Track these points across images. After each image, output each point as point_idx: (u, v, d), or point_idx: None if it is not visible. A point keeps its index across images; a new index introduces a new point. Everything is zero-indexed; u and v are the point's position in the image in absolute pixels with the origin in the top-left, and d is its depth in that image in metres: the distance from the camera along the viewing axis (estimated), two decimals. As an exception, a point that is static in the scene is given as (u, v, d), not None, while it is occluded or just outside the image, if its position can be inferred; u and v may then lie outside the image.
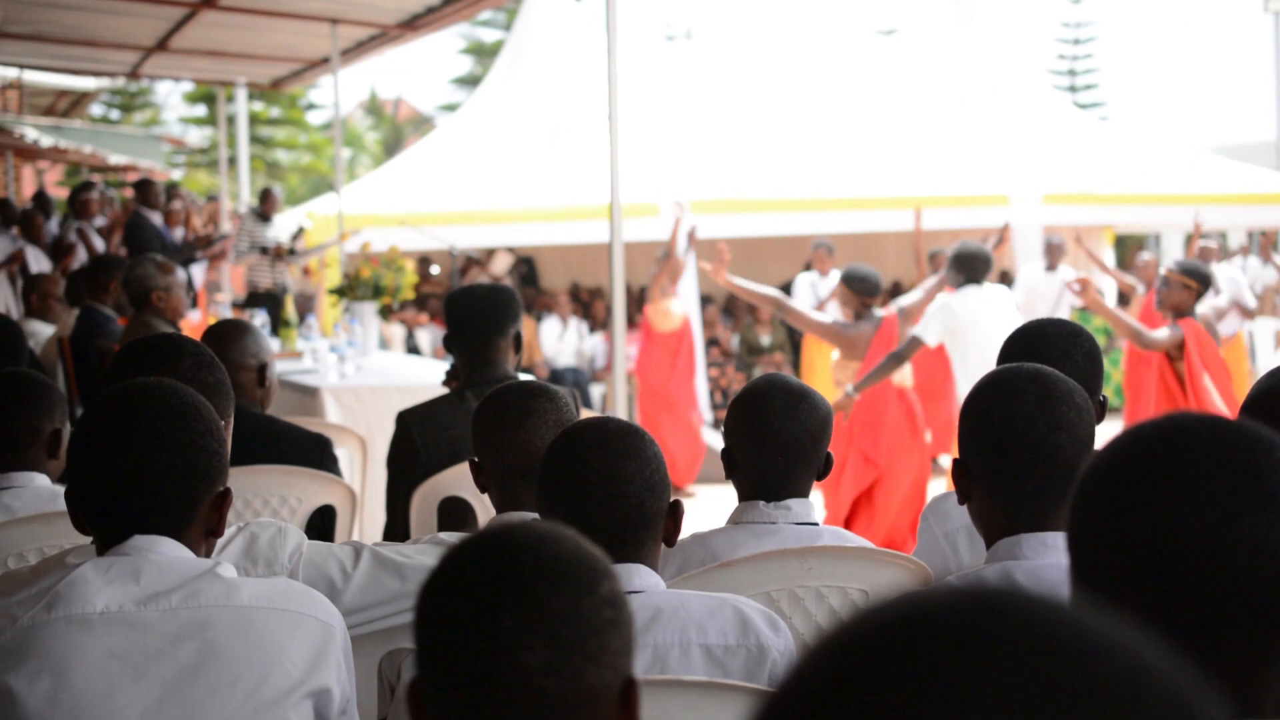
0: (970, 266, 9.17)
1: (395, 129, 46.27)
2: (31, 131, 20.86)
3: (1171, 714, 0.82)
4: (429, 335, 18.73)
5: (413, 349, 17.35)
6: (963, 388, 8.99)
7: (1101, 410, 3.78)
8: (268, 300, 14.71)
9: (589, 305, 19.58)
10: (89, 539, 2.88)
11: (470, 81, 42.28)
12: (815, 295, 14.81)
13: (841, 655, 0.87)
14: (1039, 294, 15.58)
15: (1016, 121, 18.94)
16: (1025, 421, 2.83)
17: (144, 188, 14.89)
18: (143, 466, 2.58)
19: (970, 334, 8.92)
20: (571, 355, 18.13)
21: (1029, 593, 0.88)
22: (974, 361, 8.86)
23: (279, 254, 15.39)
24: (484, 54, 43.58)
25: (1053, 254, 15.49)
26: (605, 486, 2.82)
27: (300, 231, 15.70)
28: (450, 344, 5.26)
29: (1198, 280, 8.32)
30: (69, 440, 2.65)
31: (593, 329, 18.78)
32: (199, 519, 2.66)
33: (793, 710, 0.86)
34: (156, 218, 14.69)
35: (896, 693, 0.82)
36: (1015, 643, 0.84)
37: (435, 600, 1.72)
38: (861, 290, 9.26)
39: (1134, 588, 1.49)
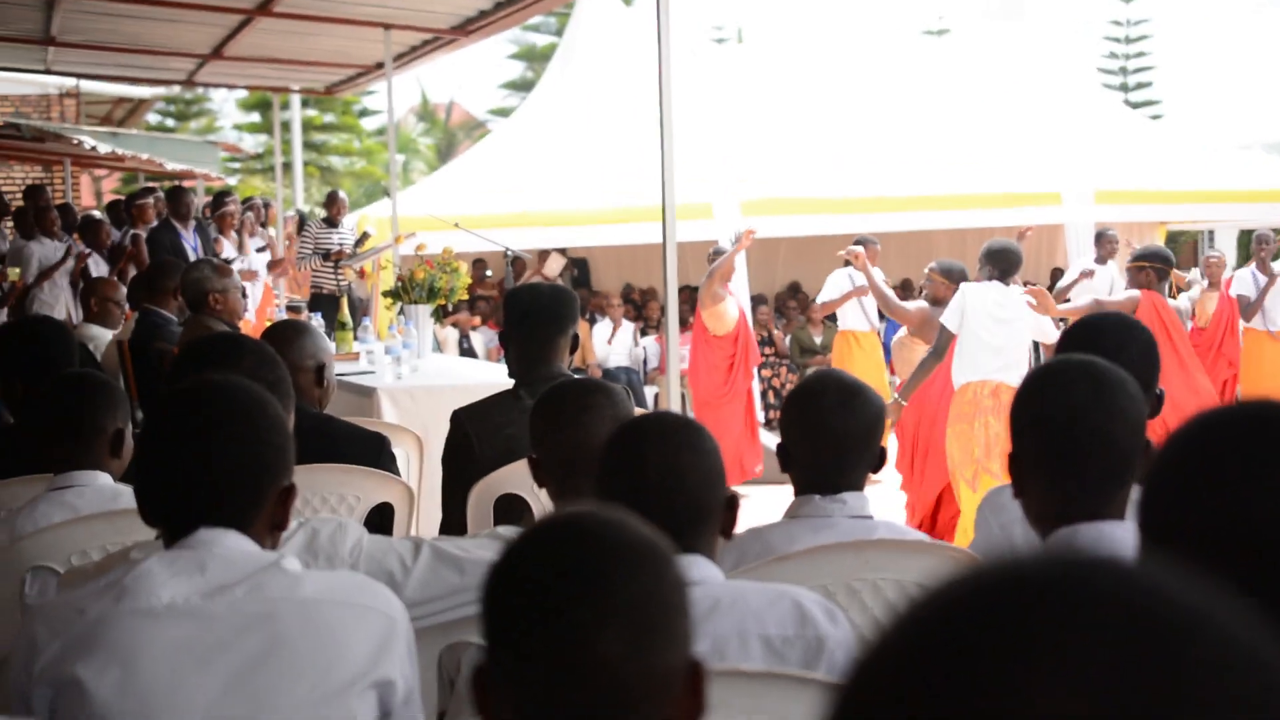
0: (999, 260, 9.39)
1: (448, 133, 46.37)
2: (89, 139, 20.97)
3: (1263, 680, 0.82)
4: (483, 338, 18.78)
5: (467, 352, 17.41)
6: (954, 374, 9.10)
7: (1157, 404, 3.78)
8: (326, 303, 14.74)
9: (642, 307, 19.59)
10: (153, 534, 2.93)
11: (522, 86, 42.35)
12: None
13: (933, 618, 0.87)
14: (1089, 289, 15.51)
15: (1068, 119, 18.85)
16: (1080, 412, 2.84)
17: (175, 197, 14.94)
18: (209, 460, 2.61)
19: (969, 325, 9.09)
20: (624, 357, 18.14)
21: (1119, 557, 0.87)
22: (964, 351, 9.01)
23: (338, 258, 15.43)
24: (535, 58, 43.65)
25: (1105, 246, 15.36)
26: (663, 479, 2.84)
27: (364, 236, 15.74)
28: (507, 340, 5.28)
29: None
30: (138, 434, 2.68)
31: (645, 331, 18.78)
32: (264, 513, 2.68)
33: (885, 676, 0.86)
34: (187, 230, 14.72)
35: (990, 654, 0.82)
36: (1111, 602, 0.84)
37: (507, 590, 1.73)
38: (957, 279, 9.66)
39: (1211, 572, 1.49)
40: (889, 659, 0.87)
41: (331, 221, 15.94)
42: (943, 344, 9.00)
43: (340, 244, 15.66)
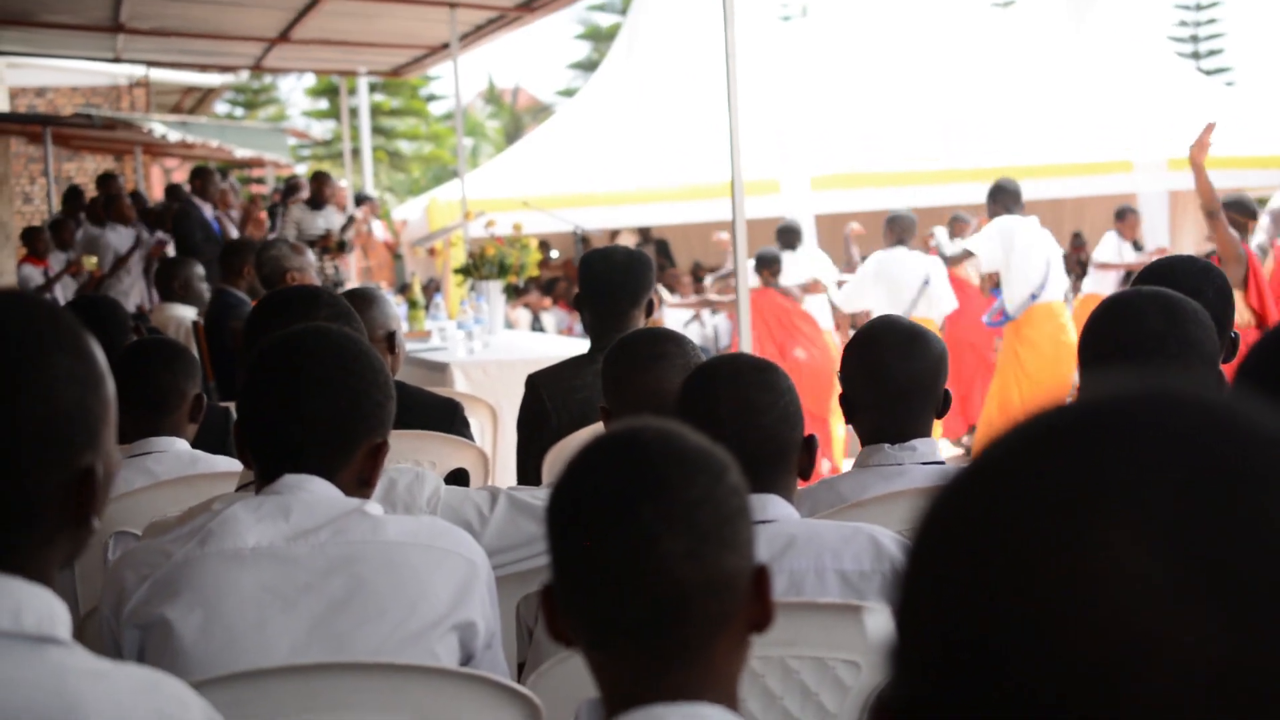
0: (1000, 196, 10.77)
1: (515, 117, 46.42)
2: (159, 128, 21.13)
3: None
4: (553, 318, 18.84)
5: (538, 332, 17.44)
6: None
7: (1233, 348, 3.75)
8: None
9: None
10: (233, 490, 2.97)
11: (588, 67, 42.36)
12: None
13: (1001, 458, 0.86)
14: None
15: (1138, 88, 18.70)
16: (1154, 342, 2.83)
17: (200, 176, 14.94)
18: (304, 402, 2.63)
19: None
20: (695, 335, 18.12)
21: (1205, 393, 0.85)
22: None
23: (327, 246, 14.60)
24: (600, 38, 43.62)
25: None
26: (739, 418, 2.85)
27: (351, 221, 15.15)
28: (582, 305, 5.27)
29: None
30: (242, 376, 2.71)
31: (714, 308, 18.75)
32: (353, 464, 2.68)
33: (949, 527, 0.86)
34: (209, 209, 14.73)
35: (1056, 498, 0.81)
36: (1188, 425, 0.82)
37: (571, 497, 1.76)
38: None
39: None
40: (953, 508, 0.86)
41: (316, 205, 14.91)
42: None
43: (327, 228, 14.86)
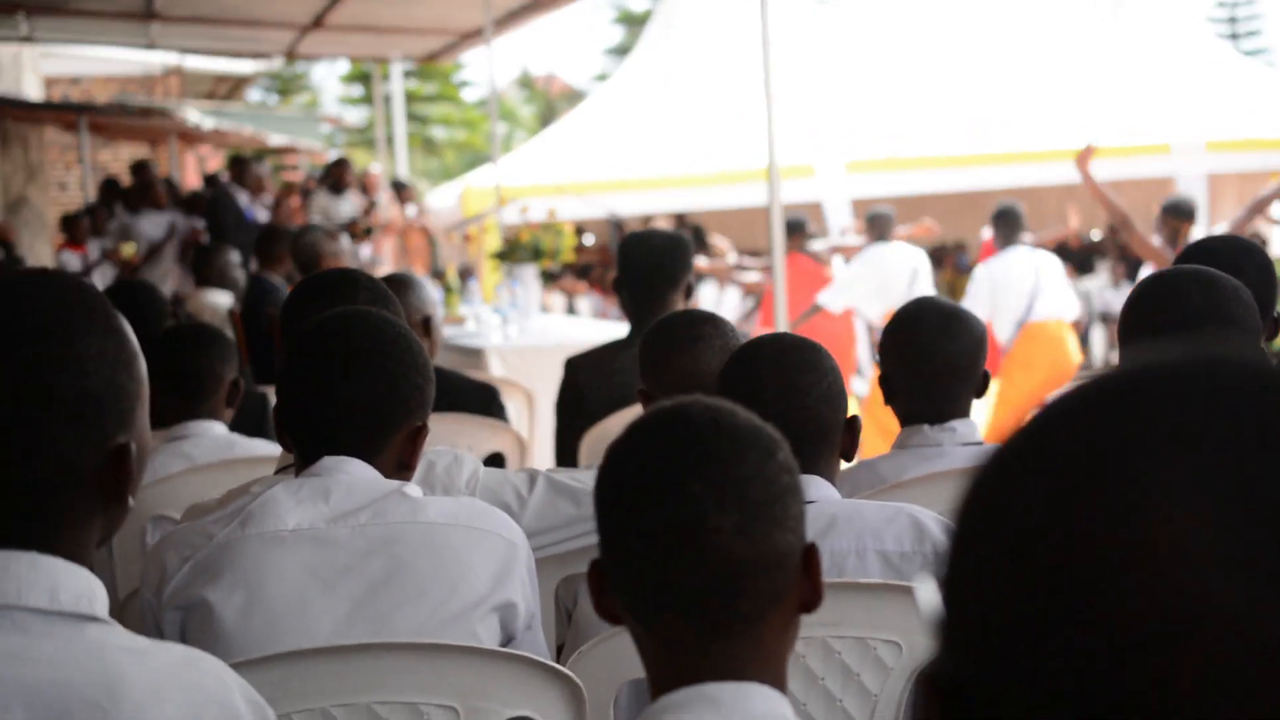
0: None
1: (549, 104, 46.45)
2: (193, 115, 21.22)
3: None
4: (589, 303, 18.84)
5: (572, 317, 17.44)
6: None
7: (1275, 328, 3.71)
8: None
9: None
10: (271, 474, 2.98)
11: (622, 52, 42.32)
12: None
13: (1055, 416, 0.84)
14: None
15: (1176, 69, 18.59)
16: (1194, 320, 2.81)
17: (238, 165, 14.99)
18: (343, 385, 2.63)
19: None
20: (730, 320, 18.05)
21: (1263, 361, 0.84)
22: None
23: (354, 232, 14.74)
24: (634, 23, 43.59)
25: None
26: (781, 398, 2.84)
27: (372, 206, 15.20)
28: (620, 288, 5.26)
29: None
30: (282, 359, 2.72)
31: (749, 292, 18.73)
32: (392, 447, 2.69)
33: (1002, 481, 0.84)
34: (244, 197, 14.78)
35: (1109, 454, 0.79)
36: (1235, 387, 0.81)
37: (620, 472, 1.75)
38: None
39: None
40: (999, 477, 0.85)
41: (337, 189, 15.13)
42: None
43: (353, 214, 15.03)
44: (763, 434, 1.75)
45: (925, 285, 11.77)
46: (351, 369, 2.63)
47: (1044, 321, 10.94)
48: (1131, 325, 2.92)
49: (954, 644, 0.85)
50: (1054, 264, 11.32)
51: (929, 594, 0.89)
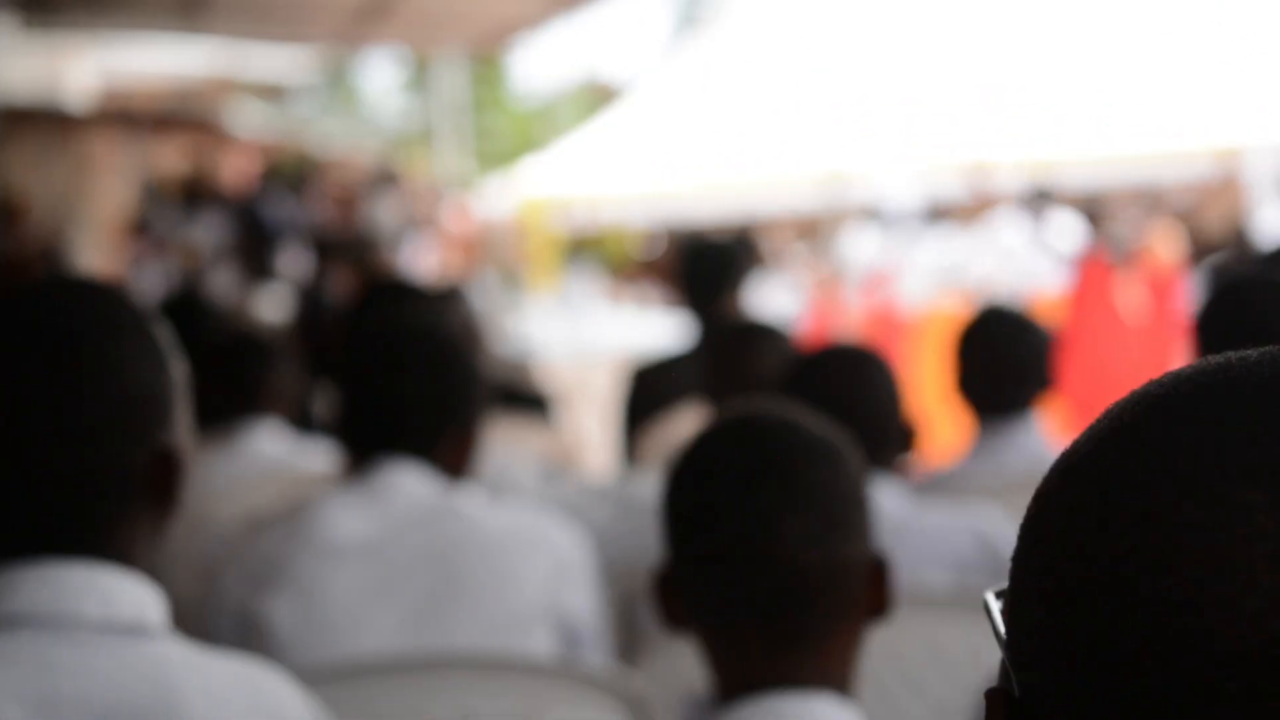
0: None
1: (599, 105, 46.60)
2: (243, 121, 21.36)
3: None
4: (643, 307, 18.86)
5: (625, 320, 17.47)
6: None
7: None
8: None
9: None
10: (323, 481, 2.97)
11: (677, 53, 42.41)
12: None
13: (1138, 406, 0.81)
14: None
15: (1241, 69, 18.42)
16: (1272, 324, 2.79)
17: (273, 170, 15.07)
18: (398, 392, 2.65)
19: None
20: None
21: None
22: None
23: (408, 236, 14.82)
24: (690, 24, 43.65)
25: None
26: (843, 405, 2.82)
27: (421, 211, 15.29)
28: (680, 294, 5.28)
29: None
30: (340, 365, 2.74)
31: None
32: (445, 452, 2.69)
33: (1080, 476, 0.80)
34: (271, 202, 14.83)
35: (1190, 446, 0.76)
36: None
37: (691, 481, 1.74)
38: None
39: None
40: (1069, 481, 0.81)
41: (386, 194, 15.24)
42: None
43: (404, 217, 15.13)
44: (833, 442, 1.75)
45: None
46: (406, 374, 2.65)
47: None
48: (1210, 338, 2.90)
49: (1024, 658, 0.82)
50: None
51: (993, 610, 0.87)
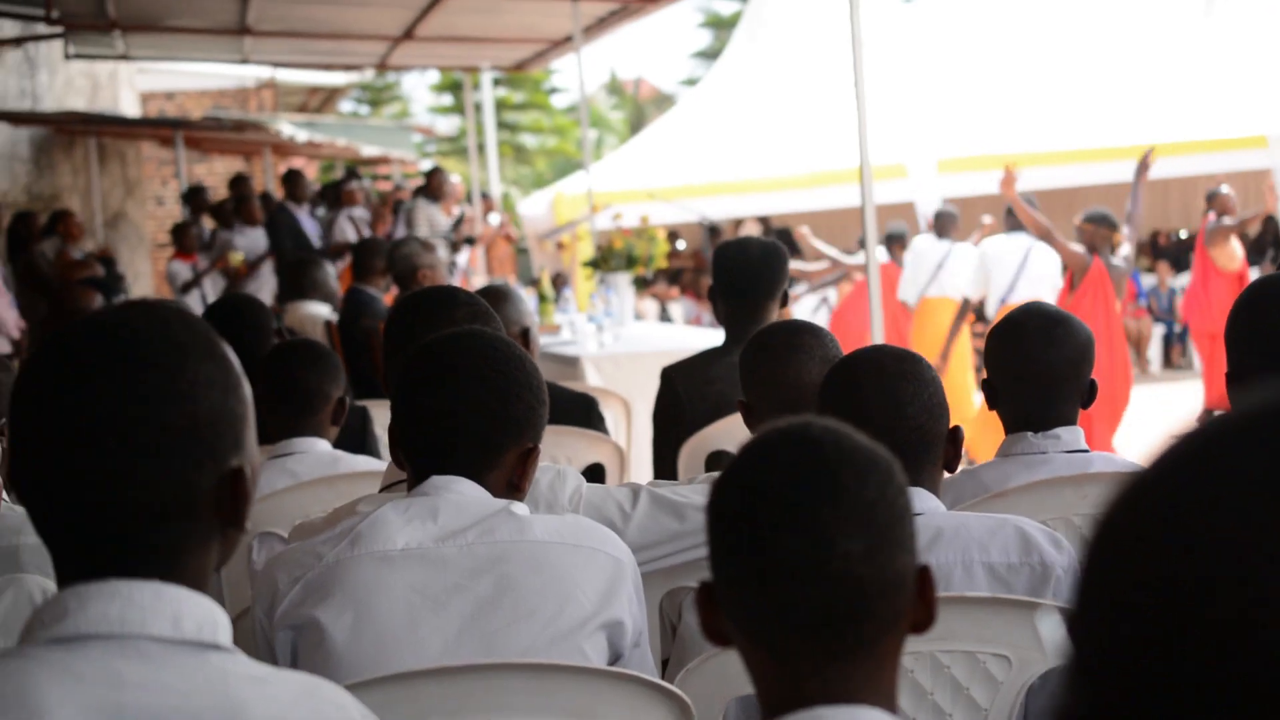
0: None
1: (638, 108, 46.44)
2: (287, 128, 21.39)
3: None
4: (681, 309, 18.83)
5: (666, 322, 17.45)
6: None
7: None
8: None
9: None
10: (375, 490, 3.00)
11: (710, 55, 42.26)
12: None
13: (1201, 443, 0.83)
14: None
15: (1269, 64, 18.33)
16: None
17: (291, 181, 15.07)
18: (456, 405, 2.66)
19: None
20: (823, 323, 18.02)
21: None
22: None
23: (456, 241, 14.77)
24: (722, 26, 43.52)
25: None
26: (884, 411, 2.84)
27: (461, 219, 15.24)
28: (715, 296, 5.24)
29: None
30: (396, 377, 2.75)
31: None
32: (503, 467, 2.71)
33: (1141, 509, 0.83)
34: (302, 212, 14.84)
35: (1253, 485, 0.78)
36: None
37: (743, 496, 1.73)
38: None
39: None
40: (1145, 504, 0.83)
41: (437, 199, 15.01)
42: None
43: (455, 222, 14.97)
44: (879, 456, 1.74)
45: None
46: (466, 389, 2.66)
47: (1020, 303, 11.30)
48: (1243, 334, 2.89)
49: (1089, 678, 0.84)
50: (1045, 253, 11.65)
51: (1052, 626, 0.88)
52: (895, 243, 13.76)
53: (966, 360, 12.61)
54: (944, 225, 13.00)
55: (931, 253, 12.82)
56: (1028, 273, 11.65)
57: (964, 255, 12.58)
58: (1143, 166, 10.16)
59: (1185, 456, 0.83)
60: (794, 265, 13.86)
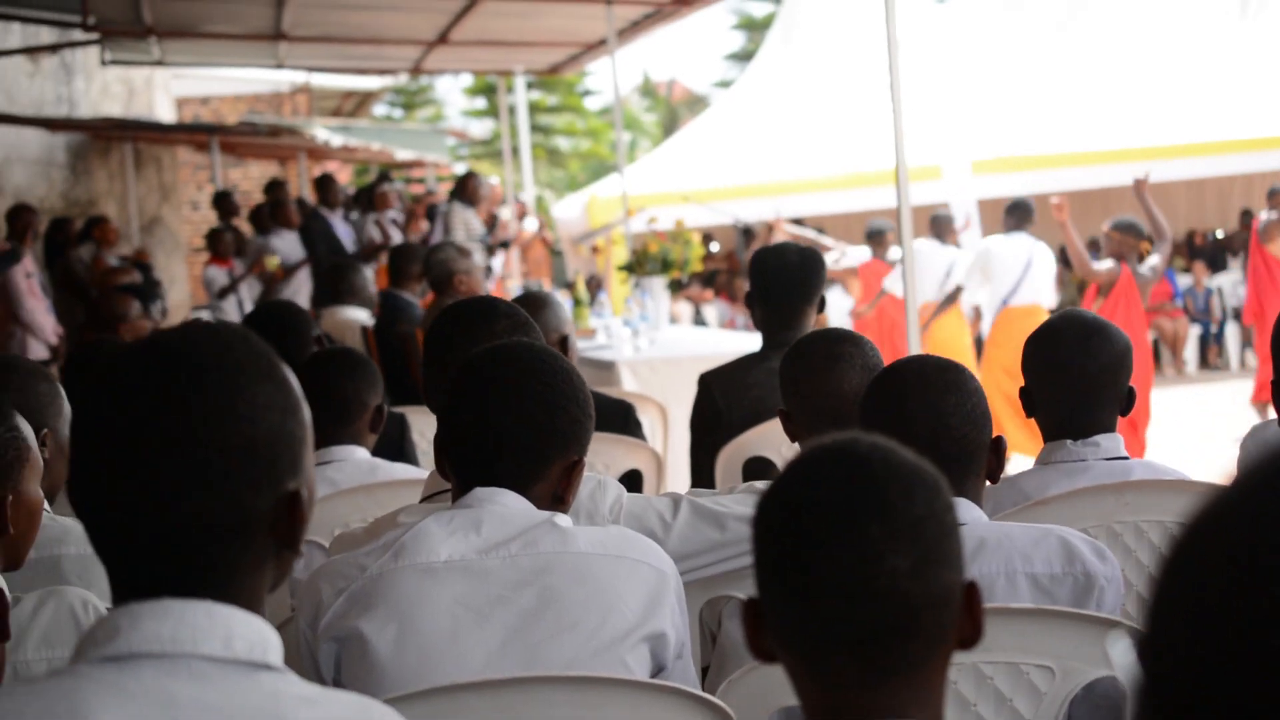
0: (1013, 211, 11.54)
1: (671, 110, 46.47)
2: (322, 132, 21.46)
3: None
4: (715, 311, 18.83)
5: (700, 325, 17.45)
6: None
7: None
8: None
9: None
10: (415, 499, 3.00)
11: (743, 57, 42.24)
12: None
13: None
14: None
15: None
16: None
17: (323, 186, 15.08)
18: (501, 418, 2.67)
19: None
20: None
21: None
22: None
23: (492, 245, 14.79)
24: (755, 28, 43.51)
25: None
26: (927, 421, 2.84)
27: (496, 222, 15.21)
28: (753, 302, 5.24)
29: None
30: (446, 389, 2.76)
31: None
32: (548, 479, 2.72)
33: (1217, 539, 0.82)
34: (336, 218, 14.87)
35: None
36: None
37: (791, 513, 1.73)
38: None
39: None
40: (1222, 534, 0.83)
41: (472, 202, 14.84)
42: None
43: (489, 226, 15.00)
44: (926, 472, 1.74)
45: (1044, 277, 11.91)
46: (512, 401, 2.67)
47: (1023, 306, 11.55)
48: None
49: (1164, 704, 0.83)
50: (1046, 255, 11.84)
51: (1123, 650, 0.88)
52: (876, 240, 13.86)
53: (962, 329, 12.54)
54: (941, 228, 13.10)
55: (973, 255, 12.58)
56: (1031, 276, 11.67)
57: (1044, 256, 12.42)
58: (1139, 185, 10.16)
59: (1273, 475, 0.82)
60: None
